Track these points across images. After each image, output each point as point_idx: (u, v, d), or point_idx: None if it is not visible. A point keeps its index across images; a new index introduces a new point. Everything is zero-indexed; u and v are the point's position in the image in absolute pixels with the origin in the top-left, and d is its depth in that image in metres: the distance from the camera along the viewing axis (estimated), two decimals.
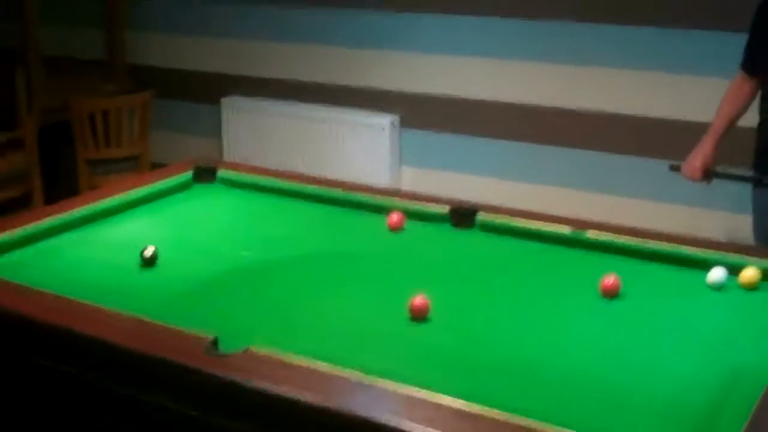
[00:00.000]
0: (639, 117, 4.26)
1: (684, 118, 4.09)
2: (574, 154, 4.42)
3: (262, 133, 5.12)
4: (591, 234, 2.75)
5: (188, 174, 3.30)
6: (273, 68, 5.16)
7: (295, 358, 2.01)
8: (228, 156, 5.15)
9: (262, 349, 2.04)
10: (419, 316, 2.28)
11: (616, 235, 2.74)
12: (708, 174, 3.30)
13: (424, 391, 1.87)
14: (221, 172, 3.33)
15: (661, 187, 4.20)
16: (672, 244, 2.66)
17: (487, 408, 1.80)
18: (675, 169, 3.39)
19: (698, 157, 3.30)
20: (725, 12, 3.91)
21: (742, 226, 3.52)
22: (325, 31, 4.96)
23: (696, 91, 4.05)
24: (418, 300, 2.28)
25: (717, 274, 2.47)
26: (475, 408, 1.80)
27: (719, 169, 3.31)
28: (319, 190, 3.15)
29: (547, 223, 2.83)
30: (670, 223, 3.74)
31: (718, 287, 2.45)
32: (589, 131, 4.38)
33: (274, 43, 5.13)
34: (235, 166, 3.51)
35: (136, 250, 2.61)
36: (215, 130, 5.30)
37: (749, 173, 3.26)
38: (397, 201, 3.04)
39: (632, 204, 4.29)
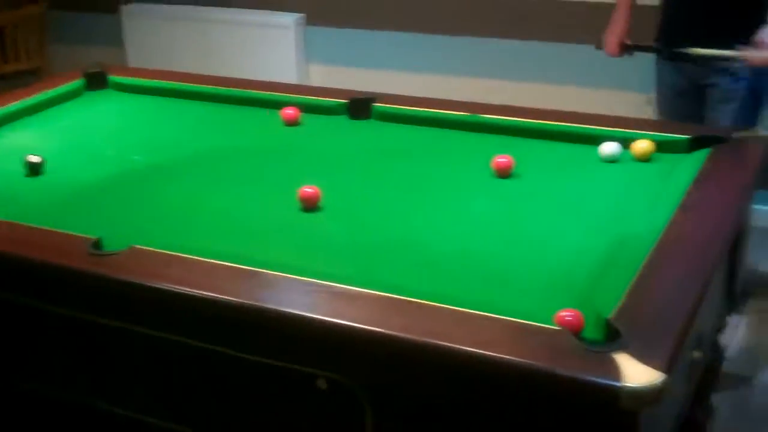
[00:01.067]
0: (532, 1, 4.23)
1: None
2: (479, 43, 4.38)
3: (166, 40, 4.97)
4: (486, 116, 2.73)
5: (79, 82, 3.19)
6: None
7: (182, 254, 1.96)
8: (133, 65, 5.00)
9: (149, 248, 1.99)
10: (309, 205, 2.25)
11: (512, 116, 2.72)
12: (624, 48, 3.30)
13: (311, 279, 1.84)
14: (113, 78, 3.23)
15: (560, 71, 4.21)
16: (566, 122, 2.66)
17: (370, 289, 1.78)
18: (598, 47, 3.38)
19: (613, 33, 3.30)
20: None
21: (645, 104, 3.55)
22: None
23: None
24: (307, 190, 2.25)
25: (609, 147, 2.47)
26: (357, 289, 1.78)
27: (633, 43, 3.30)
28: (212, 90, 3.08)
29: (443, 108, 2.80)
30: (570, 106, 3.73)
31: (611, 160, 2.46)
32: (489, 18, 4.33)
33: None
34: (127, 71, 3.41)
35: (22, 158, 2.52)
36: (117, 40, 5.13)
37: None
38: (292, 96, 2.97)
39: (536, 89, 4.28)
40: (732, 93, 3.11)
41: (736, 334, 3.30)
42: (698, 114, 3.20)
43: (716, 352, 2.61)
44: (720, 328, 2.57)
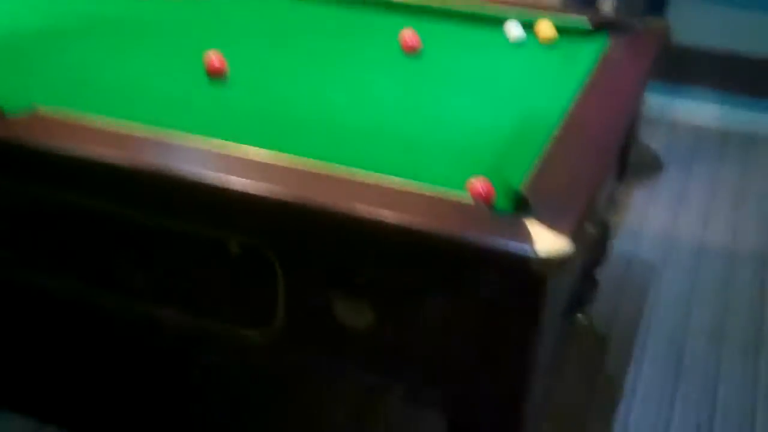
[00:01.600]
0: None
1: None
2: None
3: None
4: None
5: None
6: None
7: (87, 119, 1.92)
8: None
9: (52, 112, 1.94)
10: (216, 75, 2.22)
11: None
12: None
13: (219, 143, 1.84)
14: None
15: None
16: (474, 3, 2.67)
17: (278, 155, 1.79)
18: None
19: None
20: None
21: None
22: None
23: None
24: (213, 58, 2.21)
25: (514, 30, 2.50)
26: (265, 156, 1.79)
27: None
28: None
29: None
30: None
31: (517, 42, 2.50)
32: None
33: None
34: None
35: None
36: None
37: None
38: None
39: None
40: None
41: (625, 212, 3.48)
42: None
43: (606, 229, 2.74)
44: (610, 205, 2.69)
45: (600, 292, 2.92)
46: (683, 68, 4.10)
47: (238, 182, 1.70)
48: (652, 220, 3.51)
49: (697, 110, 4.18)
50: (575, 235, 1.59)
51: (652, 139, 4.01)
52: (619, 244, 3.26)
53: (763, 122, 4.16)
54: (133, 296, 1.98)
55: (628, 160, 2.61)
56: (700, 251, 3.31)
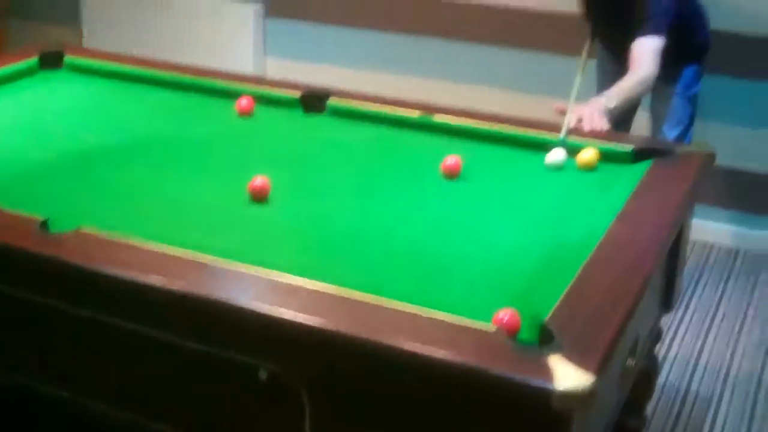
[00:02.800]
0: (483, 5, 4.29)
1: (532, 7, 4.14)
2: (436, 44, 4.42)
3: (124, 23, 4.94)
4: (438, 117, 2.77)
5: (34, 60, 3.17)
6: None
7: (131, 240, 1.98)
8: (88, 46, 4.96)
9: (97, 231, 2.00)
10: (259, 197, 2.27)
11: (463, 118, 2.77)
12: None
13: (257, 267, 1.87)
14: (69, 58, 3.21)
15: (518, 77, 4.28)
16: (516, 127, 2.71)
17: (312, 281, 1.81)
18: None
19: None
20: None
21: None
22: None
23: None
24: (257, 181, 2.27)
25: (555, 155, 2.53)
26: (300, 281, 1.81)
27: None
28: (167, 76, 3.08)
29: (397, 108, 2.84)
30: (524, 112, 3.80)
31: (556, 168, 2.52)
32: (441, 19, 4.38)
33: None
34: (83, 52, 3.39)
35: None
36: (74, 18, 5.08)
37: None
38: (247, 86, 2.99)
39: (492, 93, 4.34)
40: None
41: (673, 345, 3.38)
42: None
43: (651, 361, 2.68)
44: (656, 337, 2.64)
45: (651, 430, 2.83)
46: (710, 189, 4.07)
47: (285, 312, 1.72)
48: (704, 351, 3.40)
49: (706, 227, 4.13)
50: (601, 369, 1.57)
51: None
52: (671, 377, 3.17)
53: None
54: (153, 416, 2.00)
55: (675, 287, 2.57)
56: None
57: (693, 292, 3.76)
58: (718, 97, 3.89)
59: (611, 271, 1.91)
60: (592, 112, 2.75)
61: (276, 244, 2.09)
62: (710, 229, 4.09)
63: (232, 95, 2.92)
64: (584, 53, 3.21)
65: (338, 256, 2.04)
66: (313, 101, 2.89)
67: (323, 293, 1.79)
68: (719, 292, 3.78)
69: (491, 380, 1.56)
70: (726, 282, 3.86)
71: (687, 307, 3.64)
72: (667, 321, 3.30)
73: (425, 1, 4.40)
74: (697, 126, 3.58)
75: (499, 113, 2.92)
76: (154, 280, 1.83)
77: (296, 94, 2.91)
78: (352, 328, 1.68)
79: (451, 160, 2.46)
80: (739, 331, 3.51)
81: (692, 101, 3.47)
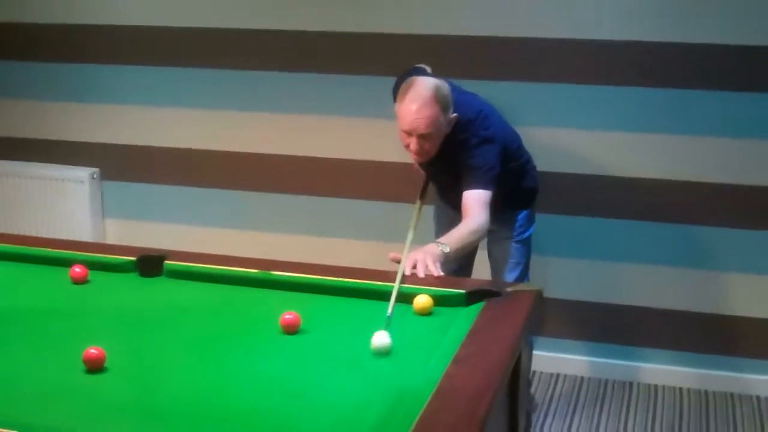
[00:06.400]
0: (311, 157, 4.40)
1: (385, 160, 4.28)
2: (270, 198, 4.50)
3: None
4: (276, 273, 2.80)
5: None
6: None
7: None
8: None
9: None
10: (94, 367, 2.22)
11: (302, 272, 2.81)
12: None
13: None
14: None
15: (354, 226, 4.40)
16: (353, 278, 2.76)
17: None
18: None
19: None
20: None
21: None
22: (10, 84, 4.77)
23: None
24: (91, 351, 2.23)
25: (380, 338, 2.40)
26: None
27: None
28: None
29: (235, 266, 2.86)
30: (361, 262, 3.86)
31: (383, 352, 2.39)
32: (269, 174, 4.48)
33: None
34: None
35: None
36: None
37: None
38: (80, 253, 2.95)
39: (330, 244, 4.42)
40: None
41: None
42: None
43: None
44: None
45: None
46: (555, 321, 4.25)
47: None
48: None
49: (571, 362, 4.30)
50: None
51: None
52: None
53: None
54: None
55: (519, 423, 2.61)
56: None
57: (543, 423, 3.84)
58: (556, 234, 4.11)
59: (447, 419, 1.93)
60: (426, 258, 2.85)
61: (110, 416, 2.03)
62: (556, 360, 4.24)
63: (65, 263, 2.88)
64: (416, 211, 3.32)
65: (176, 424, 2.00)
66: (149, 264, 2.88)
67: None
68: (567, 421, 3.89)
69: None
70: (573, 411, 3.97)
71: None
72: None
73: (250, 157, 4.48)
74: (539, 262, 3.75)
75: (338, 263, 2.98)
76: None
77: (132, 258, 2.90)
78: None
79: (288, 316, 2.48)
80: None
81: (526, 243, 3.64)
